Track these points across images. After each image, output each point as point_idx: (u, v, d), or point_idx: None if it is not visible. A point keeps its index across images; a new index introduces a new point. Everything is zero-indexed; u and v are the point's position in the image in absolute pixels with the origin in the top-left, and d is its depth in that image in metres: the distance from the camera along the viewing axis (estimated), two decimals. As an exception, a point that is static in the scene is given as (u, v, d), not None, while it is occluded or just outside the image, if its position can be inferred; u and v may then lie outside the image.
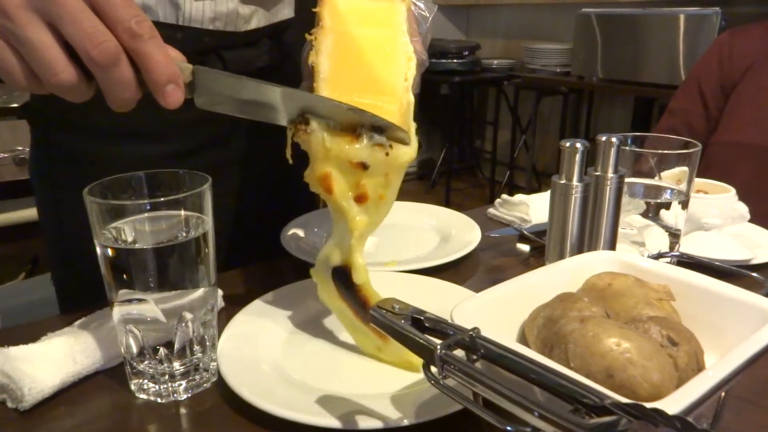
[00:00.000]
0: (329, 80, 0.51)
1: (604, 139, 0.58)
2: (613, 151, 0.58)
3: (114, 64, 0.40)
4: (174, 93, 0.42)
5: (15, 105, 2.14)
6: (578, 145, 0.56)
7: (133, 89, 0.42)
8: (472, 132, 4.38)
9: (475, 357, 0.36)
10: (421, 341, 0.35)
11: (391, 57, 0.54)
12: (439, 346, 0.34)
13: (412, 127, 0.52)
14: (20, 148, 1.40)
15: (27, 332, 0.53)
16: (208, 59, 0.71)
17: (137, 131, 0.71)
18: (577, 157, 0.56)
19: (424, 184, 4.29)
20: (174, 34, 0.68)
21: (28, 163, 0.79)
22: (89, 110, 0.69)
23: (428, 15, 0.63)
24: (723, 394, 0.41)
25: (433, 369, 0.35)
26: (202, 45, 0.70)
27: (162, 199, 0.46)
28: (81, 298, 0.61)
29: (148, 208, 0.46)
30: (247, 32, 0.73)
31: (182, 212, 0.48)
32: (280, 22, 0.78)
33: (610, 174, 0.58)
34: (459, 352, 0.36)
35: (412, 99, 0.53)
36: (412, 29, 0.58)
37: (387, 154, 0.49)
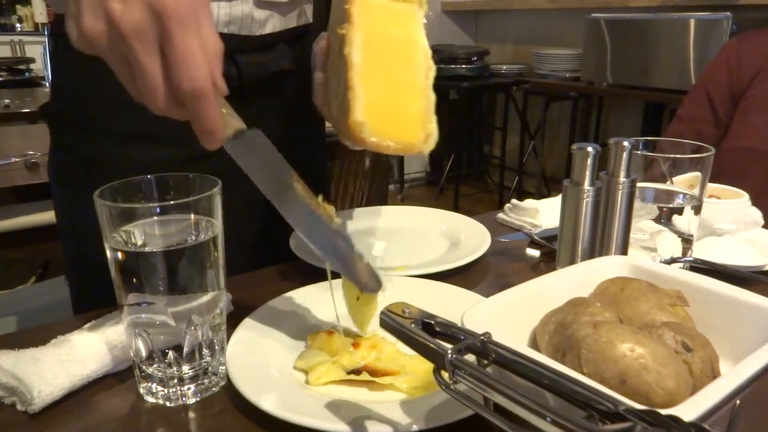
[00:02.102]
0: (362, 72, 0.55)
1: (615, 142, 0.57)
2: (625, 155, 0.57)
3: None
4: (211, 141, 0.47)
5: (27, 110, 2.16)
6: (590, 149, 0.56)
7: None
8: (481, 137, 4.37)
9: (486, 362, 0.35)
10: (432, 346, 0.35)
11: (414, 55, 0.58)
12: (449, 351, 0.34)
13: (434, 119, 0.56)
14: (31, 152, 1.41)
15: (37, 335, 0.53)
16: (223, 63, 0.71)
17: (152, 135, 0.71)
18: (589, 161, 0.56)
19: (433, 189, 4.29)
20: None
21: (47, 164, 0.80)
22: (104, 114, 0.70)
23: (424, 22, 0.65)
24: (738, 401, 0.40)
25: (444, 374, 0.34)
26: None
27: (172, 202, 0.46)
28: (95, 298, 0.62)
29: (158, 211, 0.46)
30: (262, 36, 0.73)
31: (192, 216, 0.48)
32: (298, 27, 0.78)
33: (622, 178, 0.57)
34: (470, 357, 0.35)
35: (433, 95, 0.57)
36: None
37: None
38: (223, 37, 0.69)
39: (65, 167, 0.76)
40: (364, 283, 0.53)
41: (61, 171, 0.77)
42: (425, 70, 0.58)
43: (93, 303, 0.62)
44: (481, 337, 0.35)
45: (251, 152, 0.51)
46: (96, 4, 0.41)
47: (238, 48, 0.71)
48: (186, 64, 0.42)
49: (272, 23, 0.73)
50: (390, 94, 0.56)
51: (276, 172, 0.52)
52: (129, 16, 0.40)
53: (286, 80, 0.79)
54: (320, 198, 0.54)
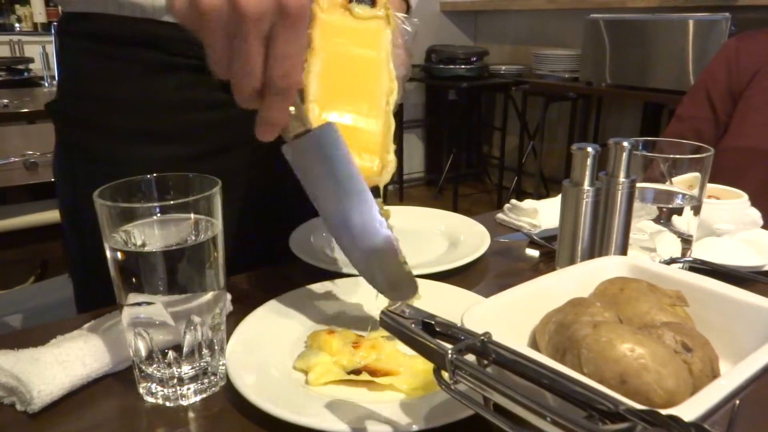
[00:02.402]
0: (318, 100, 0.54)
1: (615, 143, 0.57)
2: (624, 155, 0.57)
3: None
4: (267, 133, 0.48)
5: (26, 110, 2.16)
6: (589, 149, 0.56)
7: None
8: (480, 138, 4.37)
9: (486, 362, 0.35)
10: (432, 346, 0.35)
11: (376, 77, 0.57)
12: (450, 351, 0.34)
13: (392, 148, 0.55)
14: (30, 152, 1.41)
15: (36, 335, 0.53)
16: None
17: (158, 132, 0.71)
18: (589, 162, 0.56)
19: (432, 190, 4.29)
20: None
21: (52, 162, 0.80)
22: (110, 112, 0.71)
23: (411, 30, 0.64)
24: (738, 402, 0.40)
25: (444, 374, 0.34)
26: None
27: (172, 202, 0.46)
28: (98, 297, 0.62)
29: (158, 211, 0.46)
30: None
31: (192, 215, 0.48)
32: None
33: (622, 178, 0.57)
34: (470, 357, 0.35)
35: (392, 122, 0.56)
36: (396, 40, 0.60)
37: None
38: None
39: (70, 165, 0.76)
40: (384, 292, 0.54)
41: (66, 169, 0.77)
42: (387, 94, 0.56)
43: (96, 301, 0.62)
44: (481, 337, 0.35)
45: (310, 152, 0.51)
46: None
47: None
48: (290, 62, 0.43)
49: None
50: (347, 125, 0.54)
51: (340, 170, 0.52)
52: (255, 1, 0.40)
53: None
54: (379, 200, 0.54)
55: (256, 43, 0.42)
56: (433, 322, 0.38)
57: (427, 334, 0.36)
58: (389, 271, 0.54)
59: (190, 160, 0.72)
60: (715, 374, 0.37)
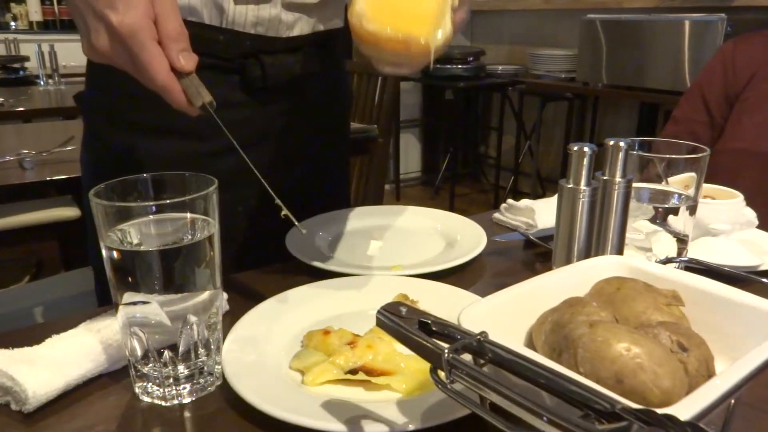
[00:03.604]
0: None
1: (612, 143, 0.57)
2: (621, 155, 0.57)
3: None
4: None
5: (21, 109, 2.15)
6: (586, 149, 0.56)
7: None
8: (477, 137, 4.38)
9: (482, 361, 0.35)
10: (429, 345, 0.35)
11: None
12: (446, 350, 0.34)
13: (449, 21, 0.52)
14: (26, 151, 1.40)
15: (31, 335, 0.53)
16: (249, 63, 0.71)
17: (178, 128, 0.71)
18: (585, 161, 0.56)
19: (428, 189, 4.29)
20: (216, 36, 0.69)
21: (80, 154, 0.81)
22: (133, 105, 0.71)
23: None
24: (733, 401, 0.40)
25: (441, 373, 0.34)
26: (243, 48, 0.70)
27: (168, 201, 0.46)
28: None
29: (154, 210, 0.46)
30: (289, 38, 0.73)
31: (188, 215, 0.48)
32: (328, 31, 0.78)
33: (618, 178, 0.58)
34: (466, 357, 0.35)
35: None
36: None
37: None
38: (250, 37, 0.70)
39: (97, 157, 0.77)
40: None
41: (90, 159, 0.78)
42: None
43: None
44: (478, 337, 0.35)
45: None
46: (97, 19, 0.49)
47: (264, 48, 0.72)
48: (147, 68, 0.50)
49: (300, 26, 0.74)
50: None
51: None
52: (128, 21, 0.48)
53: (311, 83, 0.79)
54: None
55: (149, 50, 0.49)
56: (429, 322, 0.38)
57: (423, 334, 0.36)
58: None
59: (212, 155, 0.73)
60: (710, 374, 0.37)
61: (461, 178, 4.26)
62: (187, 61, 0.51)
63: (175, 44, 0.50)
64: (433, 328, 0.38)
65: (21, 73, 3.20)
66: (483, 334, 0.35)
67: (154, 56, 0.49)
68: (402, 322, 0.38)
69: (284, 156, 0.79)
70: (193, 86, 0.52)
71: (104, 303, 0.66)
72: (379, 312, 0.39)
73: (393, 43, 0.49)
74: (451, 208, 3.61)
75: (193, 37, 0.67)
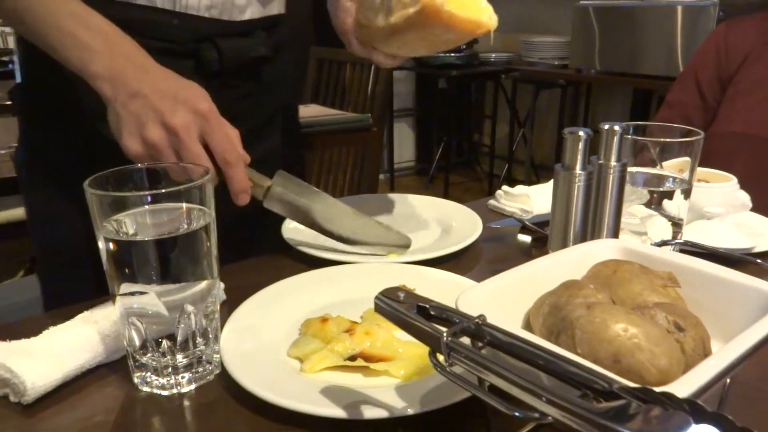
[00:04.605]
0: None
1: (606, 127, 0.58)
2: (616, 139, 0.57)
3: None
4: (243, 198, 0.61)
5: (10, 102, 2.13)
6: (581, 133, 0.56)
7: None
8: (470, 126, 4.37)
9: (480, 344, 0.35)
10: (428, 329, 0.35)
11: None
12: (445, 334, 0.34)
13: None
14: (16, 144, 1.39)
15: (29, 327, 0.53)
16: (204, 46, 0.71)
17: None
18: (580, 146, 0.56)
19: (423, 178, 4.29)
20: (170, 20, 0.68)
21: (15, 152, 0.79)
22: (71, 100, 0.69)
23: None
24: (728, 380, 0.41)
25: (440, 357, 0.35)
26: (198, 32, 0.70)
27: (163, 191, 0.46)
28: (67, 294, 0.62)
29: (149, 200, 0.46)
30: (242, 22, 0.74)
31: (184, 204, 0.47)
32: (273, 16, 0.79)
33: (613, 162, 0.58)
34: (464, 340, 0.35)
35: None
36: None
37: None
38: (205, 21, 0.70)
39: (32, 155, 0.75)
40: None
41: (32, 159, 0.76)
42: None
43: (65, 298, 0.61)
44: (476, 320, 0.35)
45: (282, 203, 0.68)
46: (152, 115, 0.56)
47: (219, 32, 0.72)
48: (223, 145, 0.58)
49: (251, 10, 0.75)
50: None
51: (309, 195, 0.70)
52: (179, 118, 0.56)
53: (264, 67, 0.80)
54: None
55: (193, 144, 0.56)
56: (428, 306, 0.38)
57: (422, 318, 0.36)
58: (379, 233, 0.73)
59: None
60: (706, 353, 0.38)
61: (455, 166, 4.26)
62: (242, 153, 0.61)
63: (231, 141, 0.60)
64: (432, 313, 0.38)
65: (9, 66, 3.17)
66: (481, 317, 0.35)
67: (201, 151, 0.57)
68: (400, 307, 0.38)
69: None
70: (249, 175, 0.62)
71: (51, 308, 0.65)
72: (377, 297, 0.39)
73: (467, 23, 0.57)
74: (446, 197, 3.59)
75: (146, 21, 0.67)
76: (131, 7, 0.66)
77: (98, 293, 0.57)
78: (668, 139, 0.64)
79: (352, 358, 0.51)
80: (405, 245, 0.73)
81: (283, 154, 0.87)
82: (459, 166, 4.37)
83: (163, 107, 0.56)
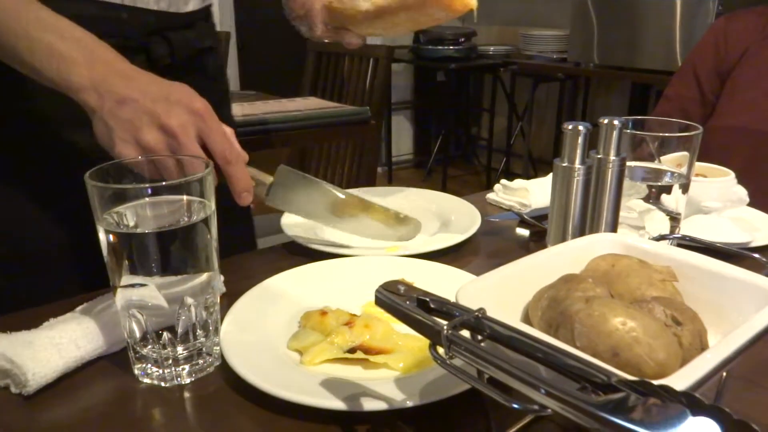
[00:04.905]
0: None
1: (606, 121, 0.58)
2: (615, 133, 0.57)
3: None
4: (246, 198, 0.59)
5: None
6: (581, 127, 0.56)
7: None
8: (469, 119, 4.37)
9: (480, 337, 0.36)
10: (428, 322, 0.36)
11: None
12: (445, 327, 0.34)
13: None
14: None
15: (29, 318, 0.53)
16: (154, 40, 0.71)
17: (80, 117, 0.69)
18: (580, 140, 0.56)
19: (421, 172, 4.29)
20: (119, 14, 0.68)
21: None
22: (25, 97, 0.67)
23: None
24: (724, 374, 0.41)
25: (440, 349, 0.35)
26: (148, 26, 0.71)
27: (163, 183, 0.46)
28: (11, 301, 0.60)
29: (150, 192, 0.46)
30: (186, 14, 0.75)
31: (184, 197, 0.48)
32: (207, 6, 0.81)
33: (612, 157, 0.58)
34: (464, 333, 0.36)
35: None
36: None
37: None
38: (153, 14, 0.70)
39: None
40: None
41: None
42: None
43: (12, 304, 0.59)
44: (476, 313, 0.36)
45: (285, 199, 0.67)
46: (146, 119, 0.54)
47: (167, 25, 0.72)
48: (221, 145, 0.57)
49: (194, 1, 0.75)
50: None
51: (313, 188, 0.68)
52: (175, 119, 0.54)
53: (207, 57, 0.81)
54: None
55: (192, 144, 0.55)
56: (428, 300, 0.38)
57: (422, 311, 0.37)
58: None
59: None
60: (703, 347, 0.38)
61: (453, 159, 4.26)
62: (239, 151, 0.59)
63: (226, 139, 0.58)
64: (432, 306, 0.38)
65: None
66: (481, 310, 0.36)
67: (199, 150, 0.56)
68: (401, 300, 0.38)
69: None
70: (251, 174, 0.61)
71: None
72: (378, 291, 0.39)
73: (458, 2, 0.62)
74: (444, 190, 3.59)
75: (95, 17, 0.66)
76: (81, 3, 0.65)
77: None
78: (667, 134, 0.64)
79: (352, 350, 0.51)
80: (414, 229, 0.72)
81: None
82: (457, 159, 4.37)
83: (157, 109, 0.54)
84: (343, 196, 0.70)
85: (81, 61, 0.54)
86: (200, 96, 0.57)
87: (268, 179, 0.65)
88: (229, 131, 0.58)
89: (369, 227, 0.71)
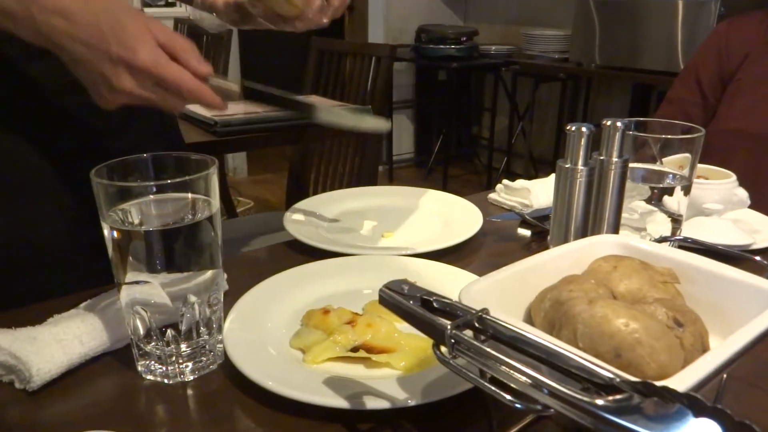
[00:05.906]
0: None
1: (609, 123, 0.58)
2: (618, 135, 0.58)
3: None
4: (222, 108, 0.59)
5: None
6: (584, 128, 0.56)
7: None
8: (470, 118, 4.36)
9: (483, 337, 0.36)
10: (432, 322, 0.36)
11: None
12: (449, 326, 0.34)
13: None
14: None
15: (33, 314, 0.53)
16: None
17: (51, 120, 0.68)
18: (583, 141, 0.57)
19: (421, 171, 4.28)
20: None
21: None
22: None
23: None
24: (724, 376, 0.41)
25: (443, 349, 0.35)
26: None
27: (168, 181, 0.46)
28: None
29: (154, 190, 0.46)
30: None
31: (189, 195, 0.48)
32: None
33: (615, 158, 0.58)
34: (467, 333, 0.36)
35: None
36: None
37: None
38: None
39: None
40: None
41: None
42: None
43: (17, 300, 0.59)
44: (479, 313, 0.36)
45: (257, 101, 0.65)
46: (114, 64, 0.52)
47: None
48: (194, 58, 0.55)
49: None
50: None
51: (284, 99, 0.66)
52: (145, 56, 0.52)
53: None
54: None
55: (174, 69, 0.53)
56: (431, 299, 0.38)
57: (426, 311, 0.37)
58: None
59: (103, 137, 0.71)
60: (705, 348, 0.38)
61: (454, 159, 4.25)
62: (206, 65, 0.56)
63: (191, 55, 0.55)
64: (435, 306, 0.38)
65: None
66: (484, 310, 0.36)
67: (179, 72, 0.53)
68: (404, 299, 0.38)
69: (156, 128, 0.80)
70: (218, 85, 0.58)
71: None
72: (381, 290, 0.40)
73: None
74: (444, 189, 3.58)
75: None
76: None
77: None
78: (669, 136, 0.64)
79: (354, 349, 0.51)
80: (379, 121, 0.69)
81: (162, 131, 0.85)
82: (458, 158, 4.36)
83: (106, 72, 0.52)
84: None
85: (19, 14, 0.51)
86: (148, 30, 0.53)
87: (234, 87, 0.61)
88: (187, 46, 0.55)
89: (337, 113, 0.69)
